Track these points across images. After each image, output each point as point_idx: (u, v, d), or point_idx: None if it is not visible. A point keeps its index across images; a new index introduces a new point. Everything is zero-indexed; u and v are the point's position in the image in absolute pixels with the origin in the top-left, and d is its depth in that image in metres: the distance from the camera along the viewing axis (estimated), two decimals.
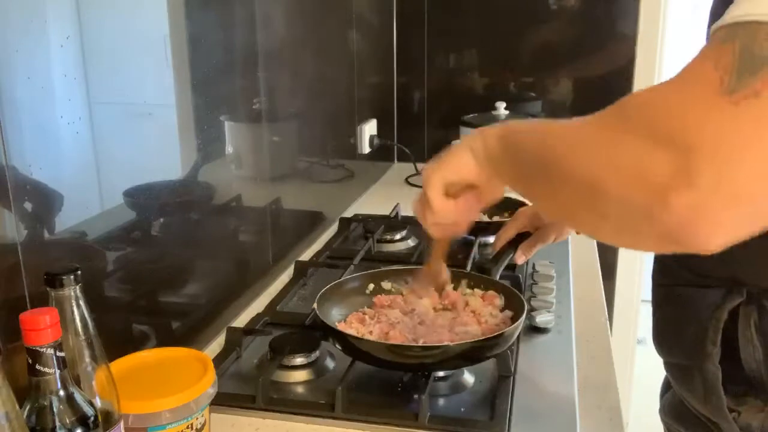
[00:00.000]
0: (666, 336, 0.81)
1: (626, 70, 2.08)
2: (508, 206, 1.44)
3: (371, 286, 1.10)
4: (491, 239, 1.19)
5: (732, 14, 0.50)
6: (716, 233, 0.48)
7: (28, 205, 0.74)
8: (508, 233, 1.13)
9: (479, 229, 1.49)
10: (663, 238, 0.50)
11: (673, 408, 0.85)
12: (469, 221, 0.83)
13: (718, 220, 0.47)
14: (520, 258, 1.09)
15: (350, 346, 0.92)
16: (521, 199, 1.51)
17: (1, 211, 0.70)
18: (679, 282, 0.77)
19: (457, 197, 0.80)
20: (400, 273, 1.12)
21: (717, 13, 0.63)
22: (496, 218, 1.52)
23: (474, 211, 0.82)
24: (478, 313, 1.01)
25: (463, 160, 0.77)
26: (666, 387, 0.90)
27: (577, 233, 0.96)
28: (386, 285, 1.10)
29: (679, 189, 0.47)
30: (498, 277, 1.08)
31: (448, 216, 0.81)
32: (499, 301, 1.04)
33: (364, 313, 1.03)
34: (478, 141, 0.76)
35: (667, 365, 0.83)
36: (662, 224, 0.49)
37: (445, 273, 1.01)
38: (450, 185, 0.79)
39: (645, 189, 0.49)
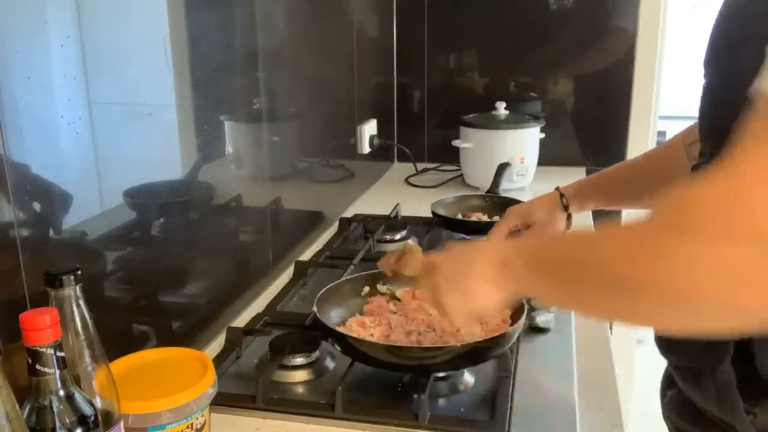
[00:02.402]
0: (674, 340, 0.81)
1: (626, 70, 2.08)
2: (505, 206, 1.44)
3: (366, 288, 1.09)
4: None
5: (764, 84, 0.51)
6: None
7: (29, 205, 0.74)
8: (500, 232, 1.13)
9: (477, 229, 1.49)
10: (754, 321, 0.53)
11: (679, 407, 0.85)
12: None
13: None
14: None
15: (350, 347, 0.92)
16: (517, 198, 1.52)
17: (1, 211, 0.70)
18: None
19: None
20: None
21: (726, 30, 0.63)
22: (495, 218, 1.52)
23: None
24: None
25: (492, 296, 0.74)
26: (667, 385, 0.90)
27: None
28: (382, 288, 1.10)
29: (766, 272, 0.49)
30: None
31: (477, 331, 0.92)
32: None
33: (364, 316, 1.03)
34: (499, 269, 0.72)
35: (676, 369, 0.83)
36: (757, 307, 0.51)
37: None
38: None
39: (734, 285, 0.51)
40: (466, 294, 0.76)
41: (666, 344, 0.83)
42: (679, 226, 0.54)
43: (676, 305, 0.56)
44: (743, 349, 0.72)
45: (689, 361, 0.78)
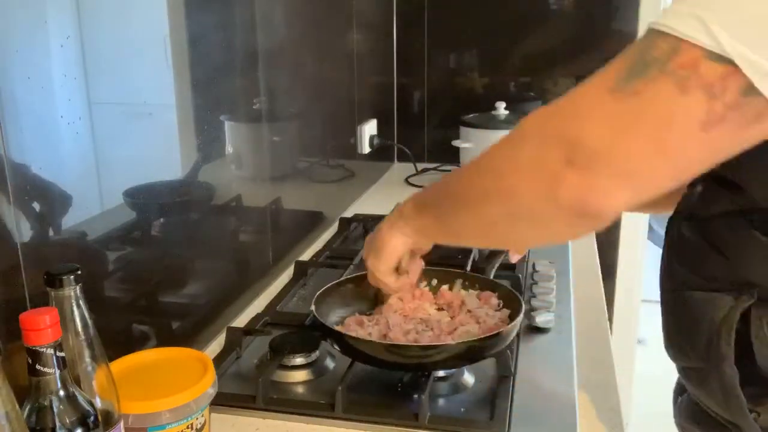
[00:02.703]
0: (678, 341, 0.81)
1: None
2: None
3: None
4: None
5: (653, 20, 0.57)
6: (607, 199, 0.58)
7: (29, 205, 0.74)
8: None
9: None
10: (572, 215, 0.59)
11: (689, 411, 0.85)
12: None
13: (609, 192, 0.57)
14: (513, 256, 1.09)
15: (349, 346, 0.92)
16: None
17: (1, 211, 0.70)
18: (688, 287, 0.77)
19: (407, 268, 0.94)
20: None
21: None
22: None
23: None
24: (474, 312, 1.01)
25: (393, 241, 0.88)
26: (680, 391, 0.90)
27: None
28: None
29: (570, 174, 0.58)
30: (492, 276, 1.08)
31: (404, 287, 0.97)
32: (495, 300, 1.03)
33: (363, 315, 1.03)
34: (396, 216, 0.87)
35: (682, 370, 0.83)
36: (566, 203, 0.59)
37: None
38: (404, 261, 0.92)
39: (544, 181, 0.60)
40: (378, 249, 0.90)
41: (672, 345, 0.83)
42: (511, 135, 0.65)
43: (505, 205, 0.66)
44: (745, 348, 0.73)
45: (694, 360, 0.78)
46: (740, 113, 0.53)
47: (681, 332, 0.81)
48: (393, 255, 0.89)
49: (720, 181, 0.70)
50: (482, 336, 0.91)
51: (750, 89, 0.52)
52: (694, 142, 0.55)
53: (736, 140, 0.56)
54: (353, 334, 0.95)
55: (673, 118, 0.55)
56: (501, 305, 1.03)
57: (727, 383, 0.74)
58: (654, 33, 0.56)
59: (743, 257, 0.71)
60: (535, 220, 0.64)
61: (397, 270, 0.93)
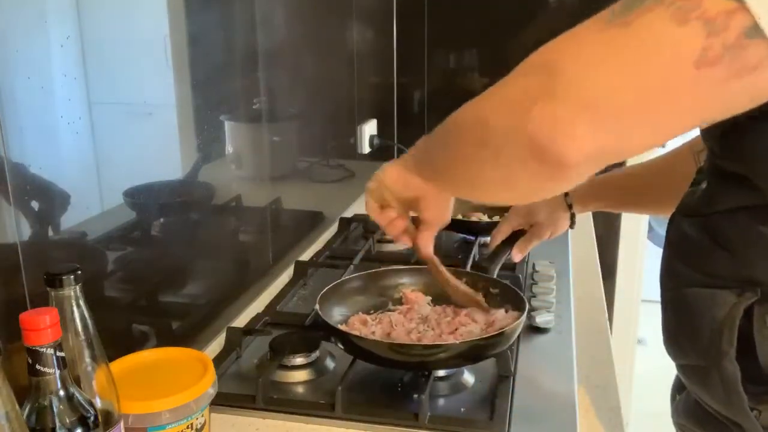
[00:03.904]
0: (679, 339, 0.81)
1: None
2: (506, 206, 1.44)
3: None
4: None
5: None
6: (573, 141, 0.53)
7: (28, 205, 0.74)
8: (503, 231, 1.13)
9: (479, 229, 1.49)
10: (531, 151, 0.55)
11: (688, 409, 0.85)
12: (420, 242, 0.92)
13: (572, 127, 0.52)
14: (516, 256, 1.09)
15: (352, 345, 0.92)
16: None
17: (0, 211, 0.70)
18: (689, 284, 0.77)
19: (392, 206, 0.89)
20: (401, 272, 1.12)
21: None
22: (496, 218, 1.52)
23: (411, 228, 0.91)
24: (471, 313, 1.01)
25: (389, 169, 0.87)
26: (678, 389, 0.90)
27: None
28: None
29: (539, 102, 0.53)
30: (495, 275, 1.08)
31: (395, 227, 0.91)
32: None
33: (366, 314, 1.03)
34: (408, 152, 0.85)
35: (682, 368, 0.83)
36: (526, 137, 0.54)
37: (462, 292, 1.01)
38: (377, 198, 0.90)
39: (513, 109, 0.56)
40: (378, 173, 0.89)
41: (672, 343, 0.83)
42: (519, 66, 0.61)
43: (478, 136, 0.62)
44: (746, 345, 0.73)
45: (695, 358, 0.78)
46: (738, 57, 0.48)
47: (682, 330, 0.81)
48: (380, 177, 0.89)
49: (726, 177, 0.69)
50: (485, 336, 0.91)
51: (754, 30, 0.48)
52: (680, 82, 0.50)
53: (725, 93, 0.51)
54: (357, 333, 0.95)
55: (661, 50, 0.50)
56: (500, 305, 1.02)
57: (729, 380, 0.73)
58: None
59: (748, 254, 0.70)
60: (499, 156, 0.60)
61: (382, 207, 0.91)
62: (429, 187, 0.82)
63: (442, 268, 0.99)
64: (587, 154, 0.53)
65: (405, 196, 0.87)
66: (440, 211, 0.87)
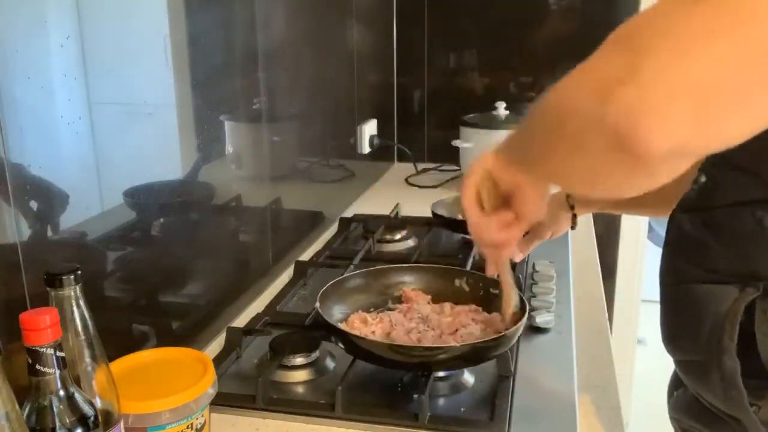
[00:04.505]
0: (678, 334, 0.81)
1: None
2: None
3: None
4: None
5: None
6: (658, 128, 0.47)
7: (28, 205, 0.74)
8: None
9: None
10: (614, 139, 0.49)
11: (686, 405, 0.85)
12: (513, 238, 0.80)
13: (658, 112, 0.47)
14: (517, 255, 1.09)
15: (353, 345, 0.92)
16: None
17: (0, 211, 0.70)
18: (690, 280, 0.77)
19: (492, 212, 0.77)
20: (401, 271, 1.12)
21: None
22: None
23: (514, 227, 0.78)
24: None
25: (489, 159, 0.76)
26: (675, 385, 0.90)
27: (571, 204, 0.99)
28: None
29: (623, 83, 0.48)
30: (497, 276, 1.08)
31: (484, 230, 0.79)
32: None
33: (366, 313, 1.03)
34: (499, 143, 0.76)
35: (680, 363, 0.83)
36: (608, 122, 0.49)
37: (514, 300, 0.95)
38: (486, 193, 0.77)
39: (596, 91, 0.50)
40: (474, 164, 0.78)
41: (671, 339, 0.83)
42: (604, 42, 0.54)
43: (563, 121, 0.56)
44: (746, 340, 0.73)
45: (695, 354, 0.78)
46: None
47: (682, 325, 0.81)
48: (478, 170, 0.77)
49: (731, 171, 0.69)
50: (486, 338, 0.91)
51: None
52: None
53: None
54: (357, 332, 0.95)
55: (762, 19, 0.45)
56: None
57: (728, 375, 0.73)
58: None
59: (750, 249, 0.70)
60: (581, 144, 0.54)
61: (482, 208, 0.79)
62: (524, 178, 0.74)
63: (510, 280, 0.92)
64: (675, 145, 0.48)
65: (502, 189, 0.77)
66: (537, 204, 0.77)
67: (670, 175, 0.52)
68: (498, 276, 0.92)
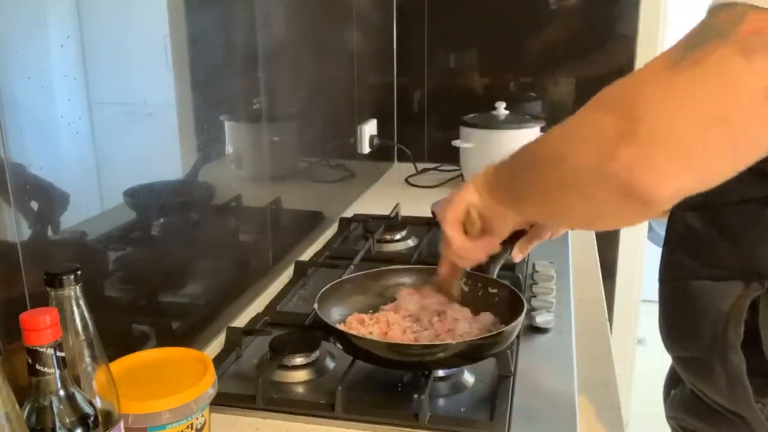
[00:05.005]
0: (679, 331, 0.81)
1: (626, 71, 2.06)
2: None
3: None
4: None
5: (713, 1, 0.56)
6: (660, 180, 0.55)
7: (28, 205, 0.74)
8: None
9: None
10: (619, 193, 0.57)
11: (685, 403, 0.85)
12: (487, 255, 0.91)
13: (658, 166, 0.54)
14: (516, 256, 1.09)
15: (351, 345, 0.92)
16: None
17: (1, 211, 0.70)
18: (693, 277, 0.77)
19: (477, 238, 0.87)
20: (400, 272, 1.12)
21: None
22: None
23: (492, 245, 0.89)
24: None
25: (464, 191, 0.85)
26: (672, 383, 0.90)
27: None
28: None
29: (624, 143, 0.55)
30: (495, 275, 1.08)
31: (469, 254, 0.89)
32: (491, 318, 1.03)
33: (363, 314, 1.03)
34: (479, 175, 0.85)
35: (680, 360, 0.83)
36: (615, 178, 0.56)
37: (457, 291, 1.02)
38: (471, 225, 0.87)
39: (595, 151, 0.58)
40: (449, 198, 0.88)
41: (671, 336, 0.83)
42: (591, 102, 0.63)
43: (559, 172, 0.64)
44: (750, 337, 0.72)
45: (697, 350, 0.78)
46: None
47: (683, 322, 0.81)
48: (460, 203, 0.86)
49: None
50: (484, 335, 0.91)
51: None
52: (757, 115, 0.52)
53: None
54: (355, 332, 0.95)
55: (736, 85, 0.52)
56: (500, 304, 1.02)
57: (734, 372, 0.73)
58: (718, 7, 0.55)
59: (756, 245, 0.70)
60: (582, 190, 0.62)
61: (465, 232, 0.88)
62: (504, 209, 0.83)
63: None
64: (676, 190, 0.55)
65: (483, 221, 0.87)
66: (508, 226, 0.88)
67: (668, 207, 0.59)
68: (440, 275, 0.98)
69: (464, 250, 0.88)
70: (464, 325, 0.97)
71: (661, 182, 0.55)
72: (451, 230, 0.87)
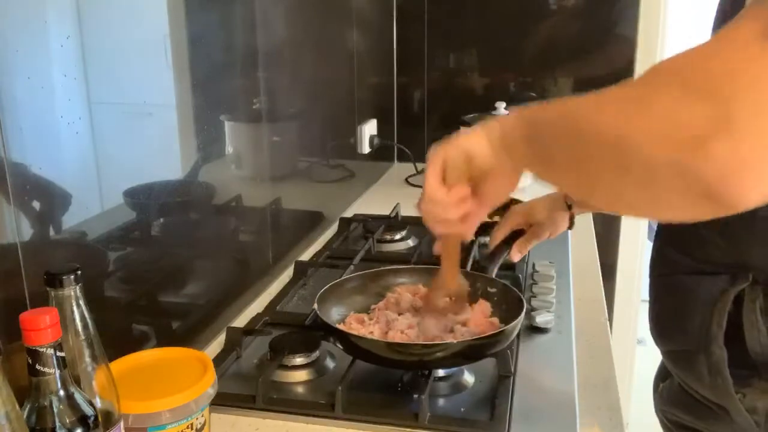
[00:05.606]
0: (668, 324, 0.81)
1: (626, 71, 2.08)
2: (506, 206, 1.44)
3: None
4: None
5: None
6: (759, 182, 0.46)
7: (28, 205, 0.74)
8: (502, 231, 1.13)
9: (479, 229, 1.49)
10: (699, 193, 0.47)
11: (672, 396, 0.85)
12: (470, 221, 0.78)
13: (754, 168, 0.45)
14: (515, 255, 1.09)
15: (351, 345, 0.92)
16: (516, 197, 1.51)
17: (1, 211, 0.70)
18: (680, 270, 0.77)
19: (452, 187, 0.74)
20: (399, 272, 1.12)
21: (725, 10, 0.62)
22: (496, 218, 1.52)
23: (473, 208, 0.76)
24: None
25: (475, 139, 0.72)
26: (661, 377, 0.90)
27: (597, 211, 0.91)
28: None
29: (719, 138, 0.45)
30: (494, 275, 1.08)
31: (440, 201, 0.75)
32: (488, 308, 1.03)
33: (363, 314, 1.03)
34: (495, 125, 0.72)
35: (669, 354, 0.83)
36: (700, 177, 0.46)
37: (458, 280, 0.94)
38: (452, 169, 0.74)
39: (679, 142, 0.47)
40: (449, 140, 0.74)
41: (660, 330, 0.83)
42: (644, 78, 0.53)
43: (616, 158, 0.53)
44: (732, 328, 0.73)
45: (683, 343, 0.78)
46: None
47: (671, 315, 0.81)
48: (465, 148, 0.73)
49: None
50: (484, 334, 0.91)
51: None
52: None
53: None
54: (355, 332, 0.95)
55: None
56: (499, 304, 1.03)
57: (715, 364, 0.74)
58: None
59: (744, 239, 0.71)
60: (647, 180, 0.51)
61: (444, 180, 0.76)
62: (513, 168, 0.71)
63: (457, 258, 0.91)
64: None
65: (475, 172, 0.74)
66: (507, 189, 0.75)
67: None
68: (441, 253, 0.89)
69: (435, 196, 0.75)
70: (474, 325, 0.97)
71: (755, 185, 0.45)
72: (432, 172, 0.75)
